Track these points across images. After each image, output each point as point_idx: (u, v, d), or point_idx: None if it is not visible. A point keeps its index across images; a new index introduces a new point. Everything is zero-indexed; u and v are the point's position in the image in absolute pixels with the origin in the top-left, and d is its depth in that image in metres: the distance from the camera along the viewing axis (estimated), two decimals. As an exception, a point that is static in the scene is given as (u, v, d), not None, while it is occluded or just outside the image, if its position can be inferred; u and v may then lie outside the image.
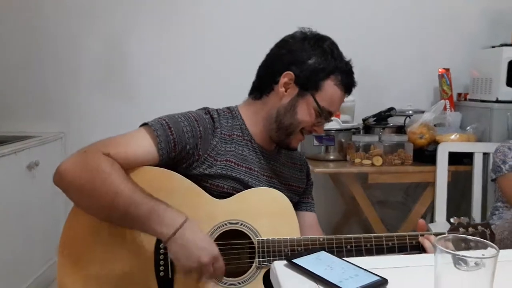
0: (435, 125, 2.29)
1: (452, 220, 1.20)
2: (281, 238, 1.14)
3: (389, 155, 2.18)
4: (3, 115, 2.56)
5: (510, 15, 2.42)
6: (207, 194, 1.16)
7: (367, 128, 2.43)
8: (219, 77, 2.54)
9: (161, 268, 1.10)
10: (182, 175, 1.15)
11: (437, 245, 0.65)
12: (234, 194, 1.18)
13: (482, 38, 2.63)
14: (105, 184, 1.03)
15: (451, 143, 2.20)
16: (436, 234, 1.18)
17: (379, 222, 2.25)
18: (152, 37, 2.59)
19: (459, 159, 2.21)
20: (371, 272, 0.80)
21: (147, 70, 2.61)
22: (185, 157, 1.16)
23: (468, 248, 0.67)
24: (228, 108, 1.30)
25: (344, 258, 0.87)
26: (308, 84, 1.19)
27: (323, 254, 0.91)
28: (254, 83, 1.29)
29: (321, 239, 1.15)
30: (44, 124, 2.59)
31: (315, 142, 2.28)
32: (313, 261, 0.86)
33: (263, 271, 1.14)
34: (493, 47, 2.37)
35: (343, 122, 2.30)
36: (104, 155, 1.07)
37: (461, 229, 1.19)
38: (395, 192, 2.69)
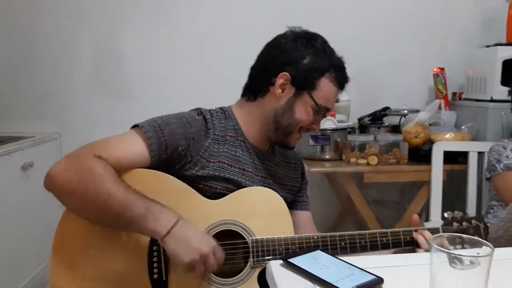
0: (430, 125, 2.30)
1: (446, 214, 1.21)
2: (275, 237, 1.14)
3: (385, 154, 2.19)
4: (-3, 115, 2.55)
5: (504, 14, 2.43)
6: (200, 195, 1.15)
7: (363, 127, 2.43)
8: (218, 77, 2.53)
9: (155, 270, 1.10)
10: (175, 176, 1.15)
11: (433, 244, 0.65)
12: (227, 194, 1.18)
13: (476, 37, 2.64)
14: (97, 186, 1.02)
15: (446, 142, 2.21)
16: (430, 229, 1.19)
17: (374, 221, 2.25)
18: (148, 36, 2.58)
19: (454, 158, 2.21)
20: (367, 271, 0.80)
21: (143, 70, 2.60)
22: (177, 158, 1.15)
23: (463, 243, 0.68)
24: (221, 108, 1.29)
25: (340, 258, 0.87)
26: (304, 83, 1.19)
27: (319, 254, 0.91)
28: (247, 84, 1.28)
29: (315, 237, 1.15)
30: (38, 124, 2.58)
31: (311, 142, 2.28)
32: (309, 261, 0.86)
33: (258, 270, 1.14)
34: (488, 46, 2.37)
35: (339, 121, 2.30)
36: (95, 157, 1.06)
37: (455, 224, 1.20)
38: (391, 191, 2.70)
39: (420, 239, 1.16)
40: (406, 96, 2.59)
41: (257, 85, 1.25)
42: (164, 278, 1.10)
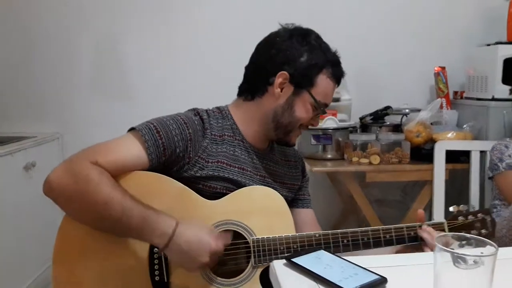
0: (431, 124, 2.30)
1: (451, 208, 1.20)
2: (276, 236, 1.14)
3: (386, 153, 2.19)
4: (-1, 115, 2.56)
5: (505, 13, 2.42)
6: (199, 196, 1.15)
7: (364, 126, 2.43)
8: (218, 77, 2.53)
9: (156, 272, 1.10)
10: (174, 178, 1.14)
11: (437, 243, 0.65)
12: (227, 194, 1.17)
13: (477, 36, 2.64)
14: (94, 194, 1.02)
15: (448, 141, 2.20)
16: (435, 224, 1.18)
17: (377, 221, 2.25)
18: (149, 36, 2.58)
19: (456, 157, 2.21)
20: (370, 271, 0.80)
21: (144, 70, 2.60)
22: (176, 160, 1.15)
23: (467, 241, 0.68)
24: (218, 108, 1.29)
25: (344, 257, 0.87)
26: (303, 81, 1.19)
27: (322, 253, 0.91)
28: (243, 84, 1.28)
29: (317, 235, 1.15)
30: (40, 124, 2.58)
31: (313, 141, 2.28)
32: (312, 260, 0.86)
33: (260, 270, 1.14)
34: (488, 45, 2.37)
35: (340, 121, 2.30)
36: (92, 163, 1.05)
37: (460, 218, 1.19)
38: (393, 190, 2.70)
39: (425, 234, 1.16)
40: (407, 95, 2.59)
41: (254, 85, 1.25)
42: (165, 280, 1.10)
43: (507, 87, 2.08)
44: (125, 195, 1.04)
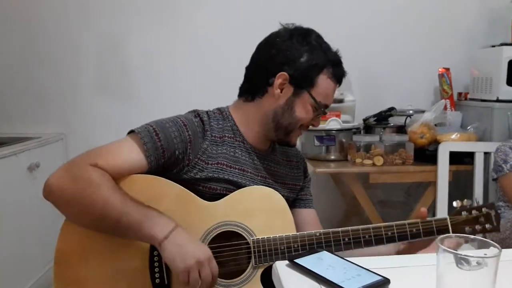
0: (435, 125, 2.29)
1: (454, 203, 1.18)
2: (277, 236, 1.14)
3: (390, 155, 2.18)
4: (3, 116, 2.56)
5: (509, 14, 2.42)
6: (198, 198, 1.15)
7: (368, 128, 2.42)
8: (219, 77, 2.54)
9: (157, 275, 1.10)
10: (173, 180, 1.14)
11: (440, 244, 0.65)
12: (227, 195, 1.17)
13: (482, 37, 2.63)
14: (94, 194, 1.03)
15: (452, 142, 2.20)
16: (437, 220, 1.17)
17: (380, 222, 2.23)
18: (151, 37, 2.59)
19: (460, 159, 2.20)
20: (373, 272, 0.80)
21: (148, 71, 2.61)
22: (175, 162, 1.15)
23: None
24: (218, 109, 1.29)
25: (346, 258, 0.87)
26: (303, 82, 1.19)
27: (324, 254, 0.91)
28: (244, 85, 1.27)
29: (317, 234, 1.15)
30: (44, 125, 2.59)
31: (316, 142, 2.28)
32: (315, 261, 0.86)
33: (260, 270, 1.14)
34: (493, 46, 2.36)
35: (344, 122, 2.30)
36: (91, 166, 1.06)
37: (463, 213, 1.17)
38: (396, 191, 2.69)
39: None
40: (411, 97, 2.58)
41: (254, 85, 1.24)
42: (166, 282, 1.10)
43: (512, 89, 2.08)
44: (125, 195, 1.05)
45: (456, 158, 2.18)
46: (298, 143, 2.34)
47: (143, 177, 1.12)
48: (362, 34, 2.61)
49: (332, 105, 2.28)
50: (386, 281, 0.77)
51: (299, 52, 1.18)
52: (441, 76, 2.52)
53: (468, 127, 2.29)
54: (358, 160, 2.18)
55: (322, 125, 2.25)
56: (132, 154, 1.11)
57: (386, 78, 2.66)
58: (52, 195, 1.06)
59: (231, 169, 1.20)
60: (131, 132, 1.16)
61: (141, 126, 1.15)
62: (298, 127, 1.24)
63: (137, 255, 1.09)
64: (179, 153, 1.14)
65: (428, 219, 1.18)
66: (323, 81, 1.19)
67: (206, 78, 2.59)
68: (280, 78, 1.18)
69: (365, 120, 2.43)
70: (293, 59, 1.18)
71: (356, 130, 2.36)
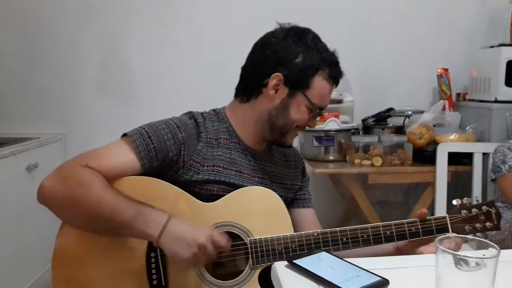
0: (434, 125, 2.30)
1: (454, 202, 1.17)
2: (274, 236, 1.13)
3: (389, 155, 2.18)
4: (2, 116, 2.56)
5: (508, 15, 2.42)
6: (195, 199, 1.14)
7: (367, 128, 2.43)
8: (219, 77, 2.53)
9: (154, 276, 1.09)
10: (170, 182, 1.14)
11: (438, 245, 0.65)
12: (224, 196, 1.17)
13: (480, 38, 2.64)
14: (86, 194, 1.02)
15: (450, 143, 2.20)
16: (436, 218, 1.16)
17: (379, 223, 2.25)
18: (154, 38, 2.59)
19: (459, 159, 2.21)
20: (372, 273, 0.80)
21: (148, 72, 2.61)
22: (170, 164, 1.15)
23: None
24: (214, 110, 1.28)
25: (345, 259, 0.87)
26: (297, 83, 1.17)
27: (324, 255, 0.91)
28: (239, 86, 1.27)
29: (315, 234, 1.14)
30: (43, 125, 2.59)
31: (315, 143, 2.28)
32: (314, 262, 0.86)
33: (258, 271, 1.14)
34: (492, 47, 2.37)
35: (343, 122, 2.30)
36: (84, 167, 1.06)
37: (463, 211, 1.16)
38: (395, 192, 2.70)
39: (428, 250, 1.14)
40: (410, 97, 2.59)
41: (249, 86, 1.23)
42: (163, 284, 1.09)
43: (510, 89, 2.08)
44: (118, 194, 1.04)
45: (455, 158, 2.19)
46: (297, 143, 2.35)
47: (139, 178, 1.12)
48: (361, 35, 2.61)
49: (331, 105, 2.31)
50: (385, 281, 0.77)
51: (294, 52, 1.16)
52: (439, 76, 2.52)
53: (467, 128, 2.29)
54: (357, 161, 2.18)
55: (321, 126, 2.25)
56: (125, 157, 1.11)
57: (385, 79, 2.66)
58: (45, 198, 1.06)
59: (228, 171, 1.19)
60: (124, 135, 1.16)
61: (133, 129, 1.15)
62: (294, 128, 1.23)
63: (134, 256, 1.09)
64: (173, 155, 1.14)
65: (427, 217, 1.17)
66: (319, 82, 1.18)
67: (206, 78, 2.59)
68: (275, 79, 1.17)
69: (364, 120, 2.44)
70: (288, 59, 1.16)
71: (355, 131, 2.36)
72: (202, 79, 2.60)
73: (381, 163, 2.17)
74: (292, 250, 1.13)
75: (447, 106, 2.46)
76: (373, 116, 2.40)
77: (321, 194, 2.63)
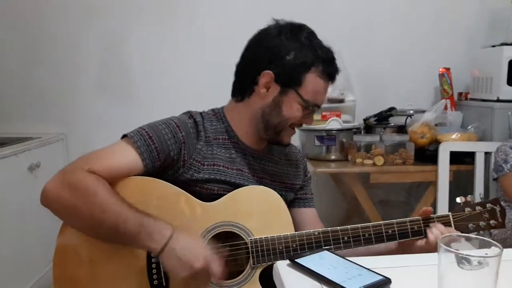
0: (436, 125, 2.29)
1: (458, 199, 1.17)
2: (274, 235, 1.13)
3: (391, 154, 2.18)
4: (3, 116, 2.56)
5: (510, 14, 2.42)
6: (195, 198, 1.14)
7: (368, 128, 2.43)
8: (219, 77, 2.52)
9: (155, 276, 1.09)
10: (170, 182, 1.14)
11: (441, 244, 0.65)
12: (224, 195, 1.16)
13: (482, 37, 2.63)
14: (91, 203, 1.02)
15: (452, 142, 2.20)
16: (439, 217, 1.16)
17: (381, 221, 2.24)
18: (154, 37, 2.59)
19: (461, 159, 2.20)
20: (374, 272, 0.80)
21: (149, 71, 2.61)
22: (171, 164, 1.15)
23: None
24: (212, 110, 1.28)
25: (347, 258, 0.87)
26: (289, 80, 1.16)
27: (326, 254, 0.91)
28: (234, 84, 1.26)
29: (316, 233, 1.14)
30: (45, 125, 2.59)
31: (316, 142, 2.28)
32: (316, 261, 0.86)
33: (259, 270, 1.13)
34: (494, 46, 2.36)
35: (344, 122, 2.30)
36: (88, 172, 1.05)
37: (467, 209, 1.15)
38: (397, 191, 2.69)
39: (432, 232, 1.12)
40: (411, 97, 2.58)
41: (242, 85, 1.22)
42: (164, 284, 1.09)
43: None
44: (122, 203, 1.03)
45: (457, 158, 2.18)
46: (298, 143, 2.35)
47: (140, 178, 1.12)
48: (362, 34, 2.61)
49: (333, 105, 2.31)
50: (388, 280, 0.77)
51: (286, 49, 1.14)
52: (441, 76, 2.52)
53: (469, 127, 2.29)
54: (359, 160, 2.18)
55: (323, 125, 2.25)
56: (127, 159, 1.11)
57: (387, 78, 2.66)
58: (48, 202, 1.05)
59: (228, 170, 1.19)
60: (124, 136, 1.16)
61: (133, 130, 1.15)
62: (289, 126, 1.21)
63: (135, 256, 1.09)
64: (174, 154, 1.14)
65: (430, 216, 1.16)
66: (312, 79, 1.16)
67: (206, 78, 2.59)
68: (265, 76, 1.16)
69: (365, 120, 2.43)
70: (279, 57, 1.14)
71: (357, 130, 2.36)
72: (202, 79, 2.60)
73: (383, 163, 2.17)
74: (293, 250, 1.12)
75: (449, 105, 2.46)
76: (374, 116, 2.40)
77: (323, 193, 2.63)
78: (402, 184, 2.59)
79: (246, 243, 1.13)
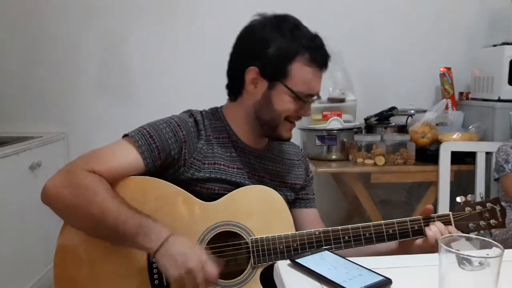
0: (437, 125, 2.29)
1: (458, 199, 1.16)
2: (275, 235, 1.13)
3: (392, 154, 2.18)
4: (4, 116, 2.57)
5: (510, 13, 2.41)
6: (196, 198, 1.14)
7: (369, 127, 2.42)
8: (219, 77, 2.52)
9: (155, 276, 1.09)
10: (171, 181, 1.14)
11: (442, 244, 0.64)
12: (225, 195, 1.16)
13: (483, 36, 2.63)
14: (91, 203, 1.02)
15: (453, 142, 2.20)
16: (440, 216, 1.16)
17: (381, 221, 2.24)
18: (155, 37, 2.59)
19: (462, 159, 2.20)
20: (375, 272, 0.80)
21: (149, 71, 2.61)
22: (172, 163, 1.14)
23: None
24: (212, 109, 1.28)
25: (348, 258, 0.87)
26: (275, 74, 1.14)
27: (326, 254, 0.91)
28: (227, 85, 1.25)
29: (316, 233, 1.13)
30: (46, 124, 2.59)
31: (317, 142, 2.28)
32: (316, 261, 0.86)
33: (260, 270, 1.13)
34: (495, 45, 2.36)
35: (345, 121, 2.30)
36: (89, 172, 1.05)
37: (467, 209, 1.15)
38: (398, 191, 2.69)
39: (431, 232, 1.12)
40: (412, 96, 2.58)
41: (233, 84, 1.22)
42: (165, 284, 1.09)
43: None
44: (122, 204, 1.03)
45: (458, 158, 2.18)
46: (299, 142, 2.35)
47: (141, 178, 1.12)
48: (363, 34, 2.60)
49: (334, 104, 2.30)
50: (388, 281, 0.77)
51: (268, 42, 1.13)
52: (442, 75, 2.52)
53: (470, 127, 2.28)
54: (360, 160, 2.18)
55: (324, 125, 2.25)
56: (128, 157, 1.11)
57: (387, 78, 2.66)
58: (49, 200, 1.06)
59: (228, 169, 1.19)
60: (125, 136, 1.15)
61: (134, 130, 1.15)
62: (285, 120, 1.19)
63: (136, 256, 1.09)
64: (175, 153, 1.14)
65: (431, 215, 1.16)
66: (298, 69, 1.13)
67: (206, 78, 2.59)
68: (251, 73, 1.15)
69: (366, 119, 2.43)
70: (261, 51, 1.13)
71: (358, 130, 2.36)
72: (202, 79, 2.60)
73: (384, 162, 2.16)
74: (294, 249, 1.12)
75: (450, 105, 2.46)
76: (375, 115, 2.40)
77: (324, 193, 2.62)
78: (403, 184, 2.59)
79: (247, 243, 1.13)
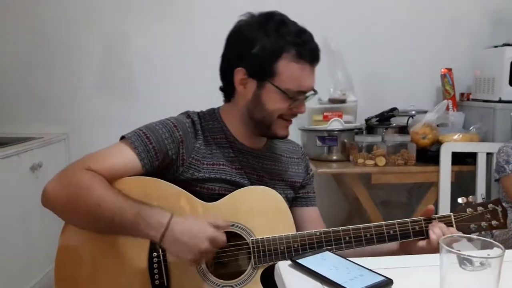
0: (438, 125, 2.29)
1: (459, 200, 1.17)
2: (276, 236, 1.13)
3: (392, 155, 2.18)
4: (5, 116, 2.57)
5: (512, 15, 2.42)
6: (197, 199, 1.14)
7: (370, 128, 2.42)
8: (219, 77, 2.53)
9: (156, 276, 1.09)
10: (171, 182, 1.14)
11: (443, 245, 0.64)
12: (225, 195, 1.16)
13: (484, 38, 2.62)
14: (87, 197, 1.03)
15: (454, 143, 2.20)
16: (441, 217, 1.16)
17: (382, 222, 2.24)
18: (156, 38, 2.59)
19: (462, 159, 2.20)
20: (376, 272, 0.80)
21: (151, 72, 2.61)
22: (170, 163, 1.15)
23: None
24: (209, 110, 1.28)
25: (349, 259, 0.87)
26: (262, 73, 1.13)
27: (327, 254, 0.91)
28: (220, 86, 1.26)
29: (317, 233, 1.13)
30: (47, 125, 2.59)
31: (318, 143, 2.28)
32: (317, 261, 0.86)
33: (260, 270, 1.13)
34: (496, 46, 2.36)
35: (346, 122, 2.30)
36: (85, 170, 1.06)
37: (468, 210, 1.15)
38: (399, 192, 2.69)
39: (435, 231, 1.11)
40: (413, 97, 2.58)
41: (225, 86, 1.23)
42: (165, 284, 1.09)
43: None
44: (118, 194, 1.04)
45: (459, 158, 2.18)
46: (300, 143, 2.35)
47: (140, 179, 1.13)
48: (364, 35, 2.60)
49: (334, 105, 2.30)
50: (389, 281, 0.77)
51: (252, 42, 1.12)
52: (443, 76, 2.52)
53: (471, 128, 2.28)
54: (360, 161, 2.18)
55: (324, 126, 2.25)
56: (125, 159, 1.11)
57: (388, 79, 2.66)
58: (49, 202, 1.06)
59: (228, 169, 1.20)
60: (122, 138, 1.16)
61: (131, 132, 1.15)
62: (279, 118, 1.18)
63: (136, 256, 1.09)
64: (172, 154, 1.14)
65: (432, 216, 1.16)
66: (285, 66, 1.12)
67: (207, 78, 2.58)
68: (238, 73, 1.15)
69: (367, 120, 2.43)
70: (247, 51, 1.13)
71: (358, 131, 2.36)
72: (202, 79, 2.60)
73: (385, 163, 2.16)
74: (295, 250, 1.12)
75: (450, 106, 2.46)
76: (376, 116, 2.40)
77: (324, 194, 2.62)
78: (404, 184, 2.58)
79: (247, 243, 1.13)
